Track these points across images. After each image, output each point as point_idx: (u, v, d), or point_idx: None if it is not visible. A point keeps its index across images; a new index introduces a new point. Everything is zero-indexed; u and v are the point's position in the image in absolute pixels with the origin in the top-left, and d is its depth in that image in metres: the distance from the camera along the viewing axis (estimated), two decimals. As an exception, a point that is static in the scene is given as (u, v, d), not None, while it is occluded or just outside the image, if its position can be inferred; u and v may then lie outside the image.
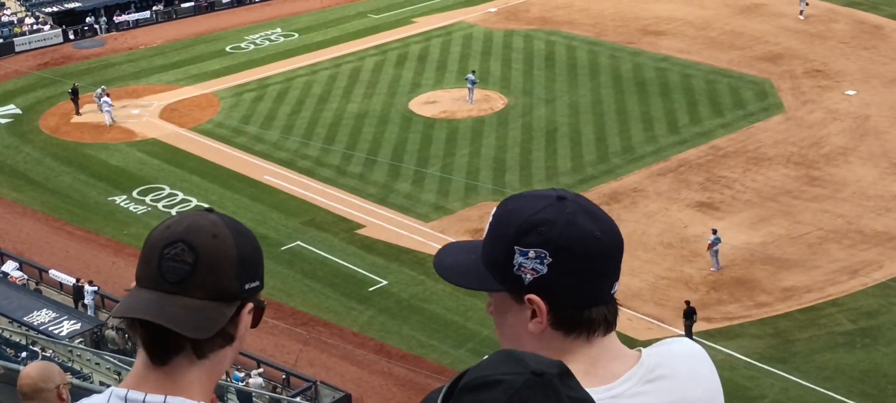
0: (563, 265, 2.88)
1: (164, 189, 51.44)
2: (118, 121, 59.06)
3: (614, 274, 2.97)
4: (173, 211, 49.27)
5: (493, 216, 3.01)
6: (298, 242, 45.85)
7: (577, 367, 2.74)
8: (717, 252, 42.69)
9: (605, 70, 64.02)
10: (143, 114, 60.31)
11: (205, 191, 50.85)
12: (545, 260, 2.88)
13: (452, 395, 2.46)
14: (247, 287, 3.00)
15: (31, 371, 6.84)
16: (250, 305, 3.04)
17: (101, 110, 59.43)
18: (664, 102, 59.06)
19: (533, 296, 2.91)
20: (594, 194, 49.11)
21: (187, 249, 2.93)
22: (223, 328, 2.97)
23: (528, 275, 2.90)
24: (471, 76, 60.91)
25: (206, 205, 3.17)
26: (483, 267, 2.99)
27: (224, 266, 2.95)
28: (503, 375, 2.41)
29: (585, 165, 52.14)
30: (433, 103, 60.38)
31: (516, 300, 2.95)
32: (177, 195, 50.77)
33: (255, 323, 3.12)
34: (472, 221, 46.57)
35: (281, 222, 47.81)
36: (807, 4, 71.34)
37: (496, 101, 60.26)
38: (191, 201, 50.04)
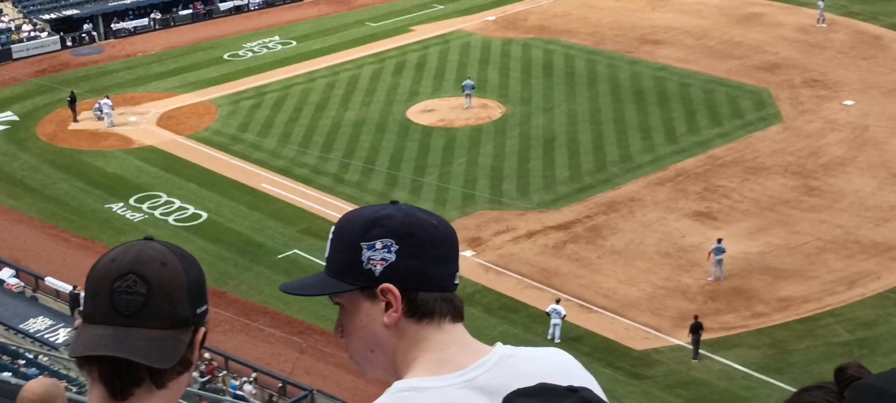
0: (408, 250, 3.04)
1: (161, 196, 51.43)
2: (115, 128, 59.05)
3: (454, 263, 3.12)
4: (170, 219, 49.27)
5: (332, 232, 3.15)
6: (295, 250, 45.84)
7: (430, 355, 3.04)
8: (720, 261, 42.63)
9: (603, 79, 64.06)
10: (140, 122, 60.31)
11: (202, 199, 50.84)
12: (392, 248, 3.04)
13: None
14: (198, 311, 3.00)
15: (35, 389, 6.59)
16: (203, 329, 3.04)
17: (102, 112, 59.44)
18: (662, 111, 59.08)
19: (387, 285, 3.05)
20: (592, 204, 49.17)
21: (139, 280, 2.90)
22: (182, 355, 2.96)
23: (379, 266, 3.05)
24: (469, 82, 60.97)
25: (147, 236, 3.11)
26: (329, 278, 3.13)
27: (176, 293, 2.93)
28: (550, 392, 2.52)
29: (583, 174, 52.15)
30: (431, 111, 60.41)
31: (367, 296, 3.08)
32: (174, 202, 50.76)
33: (201, 344, 3.12)
34: (469, 230, 46.57)
35: (278, 230, 47.80)
36: (824, 15, 71.43)
37: (494, 110, 60.28)
38: (188, 208, 50.02)
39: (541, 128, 57.61)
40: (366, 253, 3.05)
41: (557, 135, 56.72)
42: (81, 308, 3.14)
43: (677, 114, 58.83)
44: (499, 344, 3.15)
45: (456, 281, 3.12)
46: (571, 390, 2.50)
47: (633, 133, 56.51)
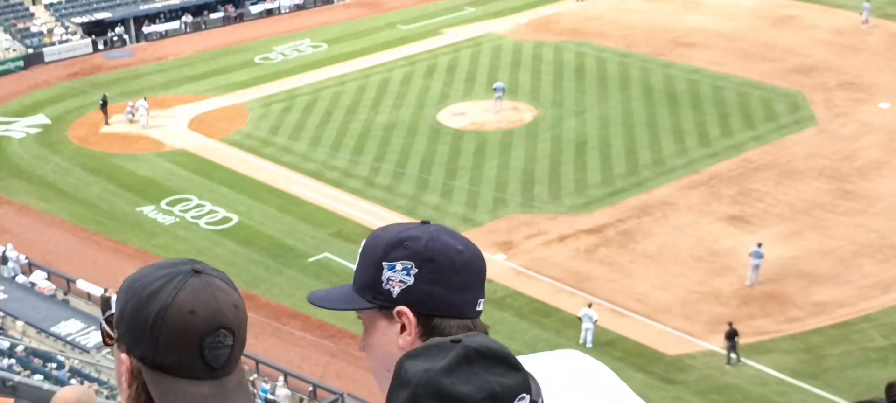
0: (427, 275, 3.04)
1: (192, 199, 51.65)
2: (147, 131, 59.35)
3: (476, 291, 3.10)
4: (200, 223, 49.43)
5: (362, 246, 3.17)
6: (326, 254, 45.94)
7: None
8: (757, 266, 42.41)
9: (636, 82, 63.90)
10: (171, 125, 60.60)
11: (233, 202, 51.02)
12: (411, 271, 3.05)
13: None
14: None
15: (67, 397, 6.58)
16: None
17: (137, 112, 59.86)
18: (695, 114, 58.87)
19: (402, 308, 3.07)
20: (624, 207, 49.03)
21: (228, 333, 2.88)
22: None
23: (397, 288, 3.07)
24: (500, 84, 60.96)
25: (192, 260, 3.03)
26: (354, 292, 3.17)
27: (246, 329, 2.95)
28: None
29: (615, 178, 52.03)
30: (462, 115, 60.41)
31: (385, 316, 3.11)
32: (205, 206, 50.95)
33: None
34: (499, 234, 46.54)
35: (309, 233, 47.91)
36: (869, 15, 71.03)
37: (525, 113, 60.22)
38: (219, 211, 50.19)
39: (572, 131, 57.51)
40: (386, 274, 3.07)
41: (589, 138, 56.60)
42: (139, 349, 2.97)
43: (710, 117, 58.59)
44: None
45: (479, 309, 3.12)
46: (455, 341, 2.55)
47: (666, 136, 56.33)
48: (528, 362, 3.10)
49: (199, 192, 52.34)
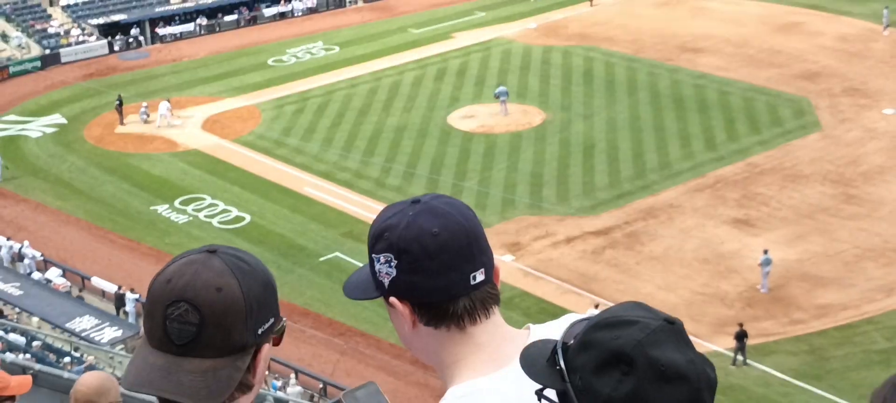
0: (406, 265, 3.03)
1: (205, 198, 51.72)
2: (161, 131, 59.46)
3: (464, 266, 3.04)
4: (213, 221, 49.53)
5: None
6: (337, 253, 45.99)
7: (474, 356, 3.05)
8: (767, 273, 42.32)
9: (644, 86, 63.86)
10: (185, 125, 60.71)
11: (245, 202, 51.09)
12: (392, 263, 3.04)
13: (578, 334, 2.61)
14: (260, 332, 2.90)
15: (89, 382, 6.47)
16: (268, 345, 2.95)
17: (158, 113, 59.96)
18: (702, 119, 58.81)
19: (393, 299, 3.08)
20: (631, 210, 48.99)
21: (191, 309, 2.78)
22: (239, 381, 2.86)
23: (386, 279, 3.07)
24: (504, 88, 60.90)
25: (210, 246, 3.00)
26: (370, 281, 3.16)
27: (232, 319, 2.81)
28: (638, 317, 2.58)
29: (622, 181, 52.00)
30: (471, 117, 60.43)
31: (391, 305, 3.12)
32: (218, 205, 51.02)
33: (276, 344, 3.04)
34: (508, 235, 46.54)
35: (320, 233, 47.97)
36: (888, 22, 70.76)
37: (534, 116, 60.21)
38: (231, 211, 50.26)
39: (581, 134, 57.49)
40: (376, 266, 3.09)
41: (597, 141, 56.58)
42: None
43: (717, 121, 58.52)
44: (530, 326, 3.21)
45: (476, 281, 3.07)
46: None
47: (673, 140, 56.29)
48: (544, 328, 3.17)
49: (212, 192, 52.41)
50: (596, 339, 2.59)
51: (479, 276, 3.09)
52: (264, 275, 2.94)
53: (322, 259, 45.79)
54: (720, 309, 41.21)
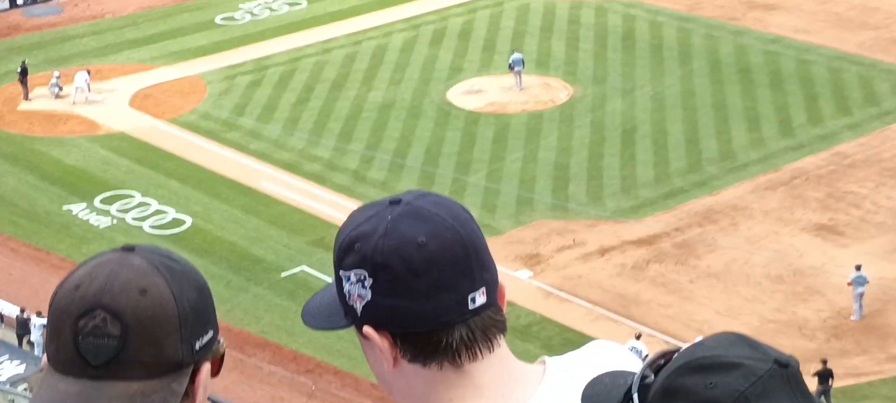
0: (384, 285, 2.96)
1: (133, 196, 51.67)
2: (77, 108, 59.32)
3: (460, 284, 2.99)
4: (144, 225, 49.51)
5: None
6: (303, 267, 45.95)
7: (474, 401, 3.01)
8: (861, 294, 42.28)
9: (700, 53, 63.81)
10: (108, 101, 60.62)
11: (185, 200, 51.04)
12: (366, 283, 2.98)
13: (661, 376, 2.55)
14: (198, 345, 2.86)
15: None
16: (208, 364, 2.91)
17: (74, 85, 59.66)
18: (774, 96, 58.79)
19: (367, 329, 3.00)
20: (683, 213, 48.95)
21: (110, 318, 2.74)
22: None
23: (358, 304, 3.00)
24: (518, 55, 60.81)
25: (126, 245, 2.93)
26: (337, 304, 3.10)
27: (163, 329, 2.78)
28: (741, 358, 2.50)
29: (672, 174, 51.97)
30: (477, 93, 60.39)
31: (364, 336, 3.03)
32: (149, 205, 50.98)
33: (215, 373, 2.97)
34: (524, 245, 46.51)
35: (282, 241, 47.93)
36: None
37: (558, 91, 60.19)
38: (167, 212, 50.24)
39: (618, 114, 57.47)
40: (346, 286, 3.02)
41: (640, 124, 56.55)
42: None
43: (794, 99, 58.51)
44: (546, 360, 3.16)
45: (475, 305, 3.00)
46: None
47: (737, 123, 56.26)
48: (563, 362, 3.14)
49: (143, 187, 52.35)
50: (685, 387, 2.50)
51: (480, 298, 3.02)
52: (197, 277, 2.92)
53: (284, 274, 45.75)
54: (798, 341, 41.17)
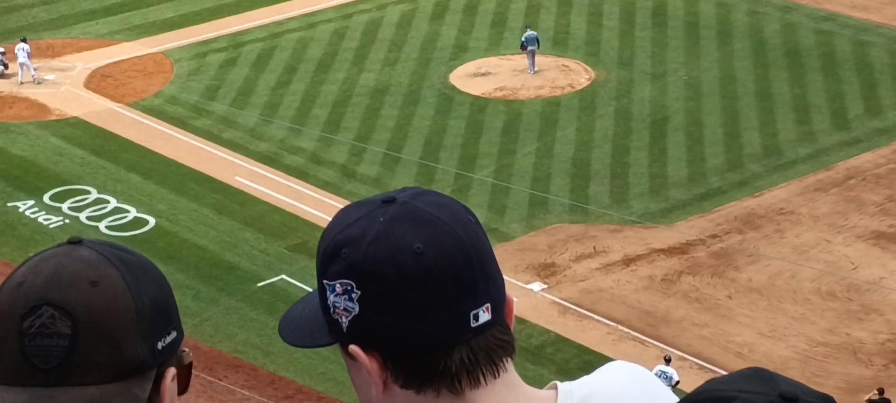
0: (373, 298, 2.94)
1: (89, 192, 51.65)
2: (25, 89, 59.33)
3: (467, 296, 2.96)
4: (101, 225, 49.52)
5: None
6: (282, 276, 45.94)
7: None
8: None
9: (741, 32, 63.80)
10: (61, 82, 60.63)
11: (148, 197, 51.04)
12: (353, 295, 2.95)
13: None
14: (161, 346, 2.88)
15: None
16: (173, 370, 2.94)
17: (20, 62, 59.57)
18: (827, 82, 58.79)
19: (355, 348, 2.97)
20: (721, 217, 48.93)
21: (58, 314, 2.76)
22: None
23: (344, 318, 2.98)
24: (532, 33, 60.71)
25: (73, 237, 2.96)
26: (318, 318, 3.08)
27: (120, 325, 2.81)
28: (742, 393, 2.63)
29: (708, 172, 51.95)
30: (485, 75, 60.38)
31: (349, 356, 3.02)
32: (107, 202, 50.97)
33: (182, 389, 3.00)
34: (537, 252, 46.48)
35: (258, 246, 47.93)
36: None
37: (578, 75, 60.17)
38: (128, 211, 50.23)
39: (647, 102, 57.46)
40: (330, 297, 3.00)
41: (672, 113, 56.55)
42: None
43: (850, 86, 58.50)
44: (557, 385, 3.14)
45: (475, 323, 2.97)
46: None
47: (784, 113, 56.25)
48: (577, 387, 3.13)
49: (99, 182, 52.34)
50: None
51: (484, 315, 2.98)
52: (156, 271, 2.95)
53: (261, 284, 45.73)
54: (852, 368, 41.16)
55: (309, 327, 3.07)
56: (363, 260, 2.92)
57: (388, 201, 3.00)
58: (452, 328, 2.95)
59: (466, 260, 2.96)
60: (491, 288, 3.00)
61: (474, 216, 3.07)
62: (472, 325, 2.96)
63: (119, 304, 2.80)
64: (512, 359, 3.08)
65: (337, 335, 3.00)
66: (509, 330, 3.07)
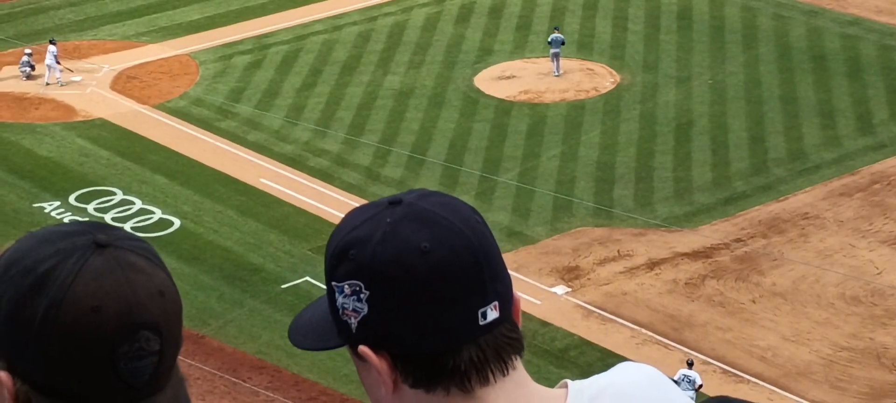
0: (382, 298, 2.96)
1: (114, 193, 51.75)
2: (51, 91, 59.44)
3: (475, 295, 2.99)
4: (126, 227, 49.55)
5: None
6: (307, 278, 45.96)
7: None
8: None
9: (767, 36, 63.69)
10: (87, 83, 60.74)
11: (173, 199, 51.10)
12: (362, 295, 2.98)
13: None
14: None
15: None
16: None
17: (47, 63, 59.67)
18: (853, 87, 58.65)
19: (365, 349, 3.00)
20: (745, 221, 48.86)
21: (152, 335, 2.81)
22: None
23: (353, 320, 3.01)
24: (556, 36, 60.67)
25: (94, 225, 2.93)
26: (327, 320, 3.12)
27: (180, 325, 2.89)
28: None
29: (733, 177, 51.87)
30: (510, 78, 60.36)
31: (358, 357, 3.04)
32: (132, 203, 51.05)
33: None
34: (562, 256, 46.44)
35: (283, 248, 47.95)
36: None
37: (603, 78, 60.12)
38: (153, 213, 50.30)
39: (671, 106, 57.39)
40: (339, 299, 3.04)
41: (696, 117, 56.47)
42: (23, 365, 2.84)
43: (875, 90, 58.37)
44: (568, 383, 3.17)
45: (484, 321, 2.99)
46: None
47: (809, 117, 56.14)
48: (588, 385, 3.18)
49: (125, 183, 52.43)
50: None
51: (492, 313, 3.00)
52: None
53: (285, 286, 45.76)
54: (876, 373, 41.07)
55: (319, 329, 3.11)
56: (371, 261, 2.95)
57: (394, 203, 3.02)
58: (461, 326, 2.97)
59: (473, 258, 2.98)
60: (498, 286, 3.01)
61: (481, 216, 3.07)
62: (481, 323, 2.98)
63: (178, 307, 2.89)
64: (521, 357, 3.09)
65: (346, 336, 3.04)
66: (517, 328, 3.08)
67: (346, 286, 2.99)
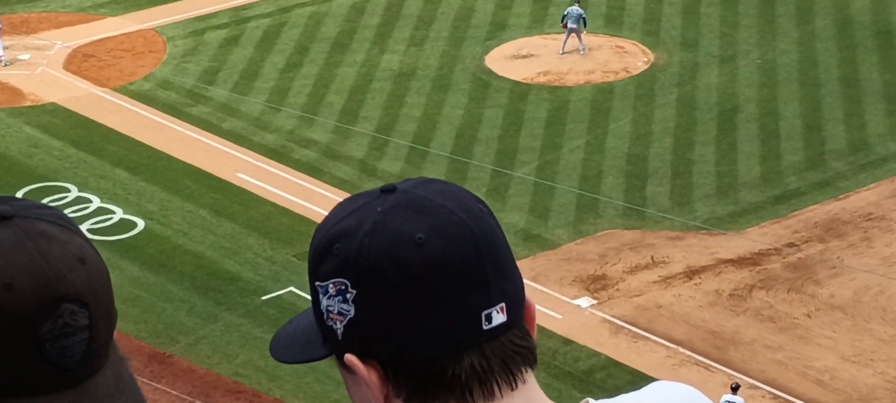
0: (370, 297, 2.93)
1: (68, 190, 51.84)
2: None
3: (478, 293, 2.94)
4: (83, 229, 49.51)
5: None
6: (291, 288, 46.05)
7: None
8: None
9: (824, 8, 63.76)
10: (37, 62, 60.83)
11: (136, 196, 51.19)
12: (348, 295, 2.95)
13: None
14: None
15: None
16: None
17: None
18: (924, 68, 58.79)
19: (351, 357, 2.96)
20: (799, 223, 48.91)
21: (76, 308, 2.80)
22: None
23: (339, 323, 2.98)
24: (574, 9, 60.56)
25: None
26: (314, 330, 3.09)
27: (110, 294, 2.90)
28: None
29: (784, 171, 51.93)
30: (526, 58, 60.44)
31: (346, 368, 3.02)
32: (89, 202, 51.14)
33: None
34: (586, 262, 46.50)
35: (263, 253, 48.04)
36: None
37: (635, 58, 60.20)
38: (114, 212, 50.37)
39: (714, 90, 57.45)
40: (323, 301, 3.01)
41: (743, 103, 56.53)
42: None
43: (950, 72, 58.52)
44: (590, 402, 3.15)
45: (488, 324, 2.93)
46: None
47: (874, 103, 56.21)
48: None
49: (80, 178, 52.53)
50: None
51: (498, 316, 2.95)
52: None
53: (265, 297, 45.84)
54: (951, 397, 41.15)
55: (302, 340, 3.09)
56: (358, 255, 2.92)
57: (388, 190, 2.98)
58: (461, 330, 2.93)
59: (475, 251, 2.93)
60: (506, 285, 2.97)
61: (486, 205, 3.03)
62: (484, 327, 2.93)
63: (105, 275, 2.88)
64: (532, 370, 3.05)
65: (332, 344, 3.00)
66: (530, 336, 3.04)
67: (331, 285, 2.96)
